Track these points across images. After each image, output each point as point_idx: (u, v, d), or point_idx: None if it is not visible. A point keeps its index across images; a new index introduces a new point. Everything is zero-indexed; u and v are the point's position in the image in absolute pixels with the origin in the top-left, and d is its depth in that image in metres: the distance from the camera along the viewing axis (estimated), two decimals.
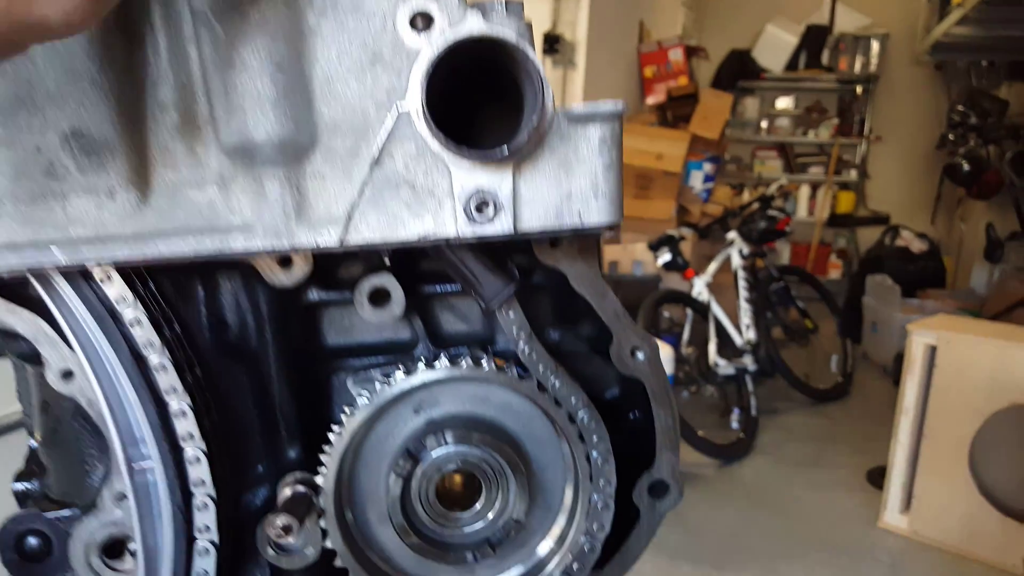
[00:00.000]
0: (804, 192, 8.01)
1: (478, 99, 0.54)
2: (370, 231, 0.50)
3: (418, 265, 0.65)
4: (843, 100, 7.95)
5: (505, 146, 0.46)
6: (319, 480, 0.60)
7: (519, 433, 0.63)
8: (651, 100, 5.92)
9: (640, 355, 0.62)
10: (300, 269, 0.58)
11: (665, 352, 4.10)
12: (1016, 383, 3.28)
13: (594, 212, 0.50)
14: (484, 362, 0.59)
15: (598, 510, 0.61)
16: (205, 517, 0.59)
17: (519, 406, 0.62)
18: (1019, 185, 5.62)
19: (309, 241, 0.50)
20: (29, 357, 0.62)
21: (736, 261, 5.06)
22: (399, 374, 0.59)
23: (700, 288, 4.85)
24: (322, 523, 0.61)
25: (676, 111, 5.85)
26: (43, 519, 0.65)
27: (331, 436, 0.60)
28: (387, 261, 0.61)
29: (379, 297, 0.61)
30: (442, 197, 0.49)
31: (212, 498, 0.59)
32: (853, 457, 4.71)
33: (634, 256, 5.37)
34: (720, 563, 3.67)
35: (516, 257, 0.62)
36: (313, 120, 0.48)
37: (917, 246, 6.41)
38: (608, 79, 5.62)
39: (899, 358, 3.84)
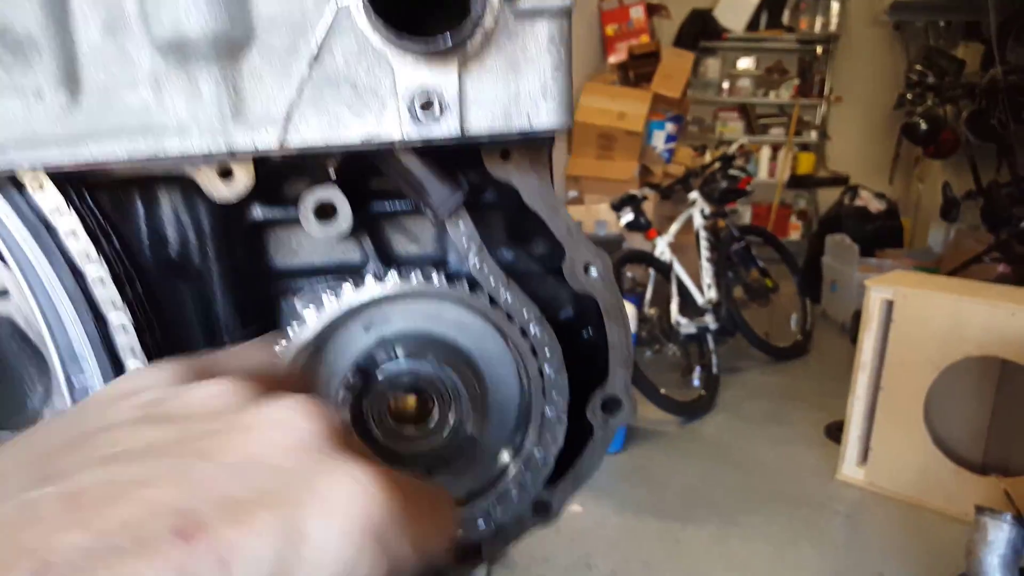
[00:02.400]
0: (765, 153, 8.08)
1: (421, 8, 0.52)
2: (311, 133, 0.48)
3: (367, 183, 0.63)
4: (803, 61, 8.00)
5: (448, 34, 0.45)
6: None
7: (472, 350, 0.62)
8: (613, 59, 5.89)
9: (593, 271, 0.61)
10: (241, 182, 0.57)
11: (629, 311, 4.14)
12: (970, 336, 3.38)
13: (543, 114, 0.49)
14: (435, 278, 0.59)
15: (551, 423, 0.61)
16: None
17: (471, 323, 0.62)
18: (975, 144, 5.73)
19: (247, 143, 0.48)
20: None
21: (698, 221, 5.10)
22: (347, 287, 0.58)
23: (662, 248, 4.89)
24: None
25: (638, 70, 5.84)
26: None
27: (277, 351, 0.59)
28: (333, 174, 0.59)
29: (325, 211, 0.59)
30: (385, 96, 0.48)
31: None
32: (812, 413, 4.84)
33: (597, 216, 5.38)
34: (684, 516, 3.76)
35: (466, 173, 0.61)
36: (248, 14, 0.47)
37: (875, 206, 6.52)
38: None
39: (857, 316, 3.93)
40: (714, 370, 4.95)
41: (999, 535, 2.48)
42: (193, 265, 0.62)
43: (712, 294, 5.03)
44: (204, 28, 0.46)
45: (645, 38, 5.93)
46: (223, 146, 0.48)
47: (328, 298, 0.58)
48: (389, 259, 0.65)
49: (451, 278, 0.59)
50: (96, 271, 0.55)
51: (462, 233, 0.58)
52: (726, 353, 5.37)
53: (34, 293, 0.55)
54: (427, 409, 0.63)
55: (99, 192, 0.57)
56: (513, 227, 0.66)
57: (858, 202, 6.65)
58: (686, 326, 4.88)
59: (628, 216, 4.80)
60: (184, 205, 0.60)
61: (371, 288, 0.58)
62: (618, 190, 5.17)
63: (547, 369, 0.60)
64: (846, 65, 7.79)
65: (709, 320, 4.92)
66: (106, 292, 0.55)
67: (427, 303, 0.61)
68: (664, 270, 4.91)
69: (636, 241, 5.24)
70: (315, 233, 0.59)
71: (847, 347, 5.06)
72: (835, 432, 4.33)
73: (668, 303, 4.99)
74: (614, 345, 0.63)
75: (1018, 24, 5.53)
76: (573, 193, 5.78)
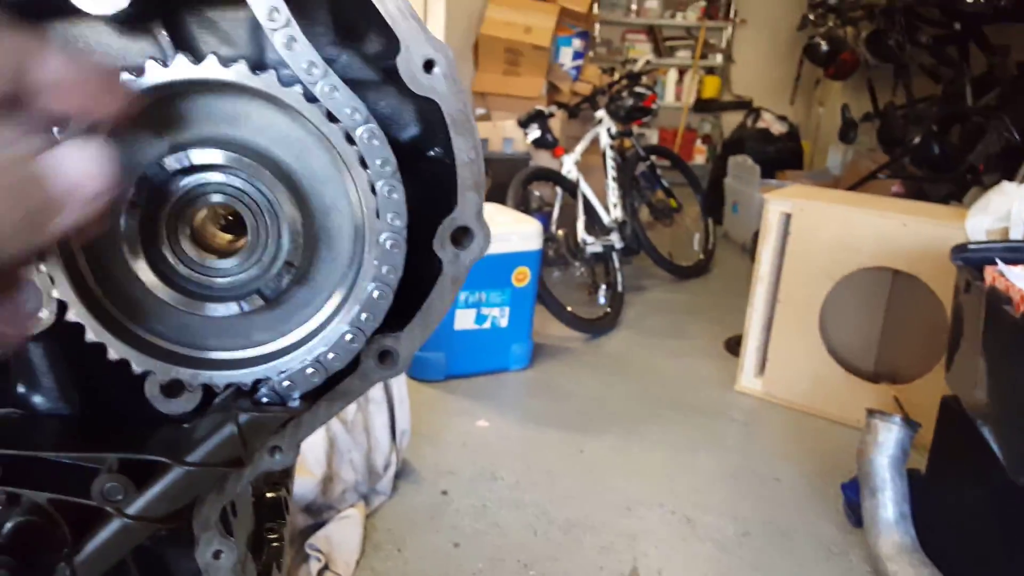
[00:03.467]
0: (672, 77, 8.08)
1: None
2: None
3: None
4: None
5: None
6: None
7: (291, 164, 0.52)
8: None
9: (436, 69, 0.51)
10: None
11: (535, 228, 4.08)
12: (863, 248, 3.48)
13: None
14: (236, 65, 0.48)
15: (387, 250, 0.52)
16: None
17: (289, 130, 0.51)
18: (873, 65, 5.87)
19: None
20: None
21: (604, 140, 5.05)
22: (125, 74, 0.46)
23: (569, 166, 4.83)
24: (46, 267, 0.49)
25: None
26: None
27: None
28: None
29: None
30: None
31: None
32: (712, 327, 4.97)
33: (504, 134, 5.27)
34: (586, 428, 3.81)
35: None
36: None
37: (777, 128, 6.64)
38: None
39: (757, 236, 4.01)
40: (619, 288, 4.99)
41: (889, 436, 2.60)
42: None
43: (618, 213, 5.03)
44: None
45: None
46: None
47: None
48: (196, 59, 0.53)
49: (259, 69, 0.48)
50: None
51: (263, 1, 0.46)
52: (631, 272, 5.43)
53: None
54: (238, 235, 0.53)
55: None
56: (341, 20, 0.55)
57: (760, 124, 6.75)
58: (592, 245, 4.88)
59: (535, 133, 4.71)
60: None
61: (154, 73, 0.46)
62: (525, 107, 5.05)
63: (380, 184, 0.51)
64: None
65: (615, 239, 4.93)
66: None
67: (231, 101, 0.50)
68: (571, 189, 4.87)
69: (543, 159, 5.16)
70: (86, 3, 0.47)
71: (747, 266, 5.19)
72: (734, 346, 4.45)
73: (575, 223, 4.97)
74: (462, 163, 0.53)
75: None
76: (481, 110, 5.61)
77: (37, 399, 0.57)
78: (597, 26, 7.13)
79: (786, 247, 3.75)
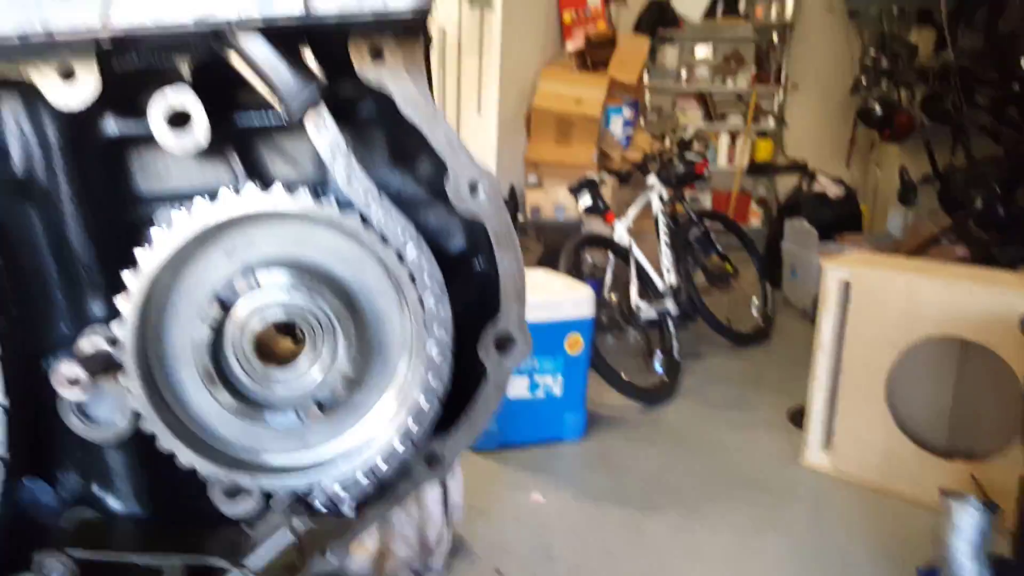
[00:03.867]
0: (724, 141, 8.10)
1: None
2: (136, 11, 0.42)
3: (231, 92, 0.56)
4: (760, 49, 8.04)
5: None
6: (116, 330, 0.52)
7: (348, 280, 0.55)
8: (570, 46, 5.86)
9: (480, 191, 0.55)
10: (86, 85, 0.49)
11: (587, 294, 4.09)
12: (928, 316, 3.36)
13: None
14: (299, 194, 0.52)
15: (435, 362, 0.54)
16: None
17: (347, 250, 0.55)
18: (930, 127, 5.80)
19: (65, 22, 0.41)
20: None
21: (656, 205, 5.08)
22: (201, 201, 0.51)
23: (621, 232, 4.86)
24: (125, 380, 0.53)
25: (595, 56, 5.81)
26: None
27: (126, 277, 0.51)
28: (187, 77, 0.52)
29: (178, 120, 0.52)
30: None
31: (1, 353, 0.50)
32: (775, 398, 4.83)
33: (556, 201, 5.35)
34: (646, 505, 3.71)
35: (342, 87, 0.54)
36: None
37: (833, 191, 6.57)
38: (526, 22, 5.53)
39: (817, 300, 3.93)
40: (675, 355, 4.92)
41: (966, 520, 2.45)
42: (39, 182, 0.54)
43: (672, 279, 5.01)
44: None
45: (602, 24, 5.91)
46: (38, 25, 0.41)
47: (181, 214, 0.51)
48: (265, 183, 0.58)
49: (319, 196, 0.53)
50: None
51: (323, 137, 0.51)
52: (688, 338, 5.34)
53: None
54: (298, 348, 0.56)
55: None
56: (394, 146, 0.59)
57: (816, 188, 6.69)
58: (646, 311, 4.86)
59: (586, 200, 4.76)
60: (25, 113, 0.52)
61: (228, 204, 0.51)
62: (577, 175, 5.13)
63: (428, 298, 0.54)
64: (802, 52, 7.84)
65: (669, 304, 4.90)
66: None
67: (295, 226, 0.54)
68: (623, 254, 4.88)
69: (595, 225, 5.20)
70: (168, 144, 0.52)
71: (808, 332, 5.07)
72: (798, 417, 4.32)
73: (628, 288, 4.96)
74: (505, 275, 0.56)
75: (968, 10, 5.60)
76: (533, 178, 5.72)
77: (112, 500, 0.60)
78: (647, 94, 7.25)
79: (847, 315, 3.66)
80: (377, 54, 0.51)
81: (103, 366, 0.52)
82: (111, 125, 0.56)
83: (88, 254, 0.57)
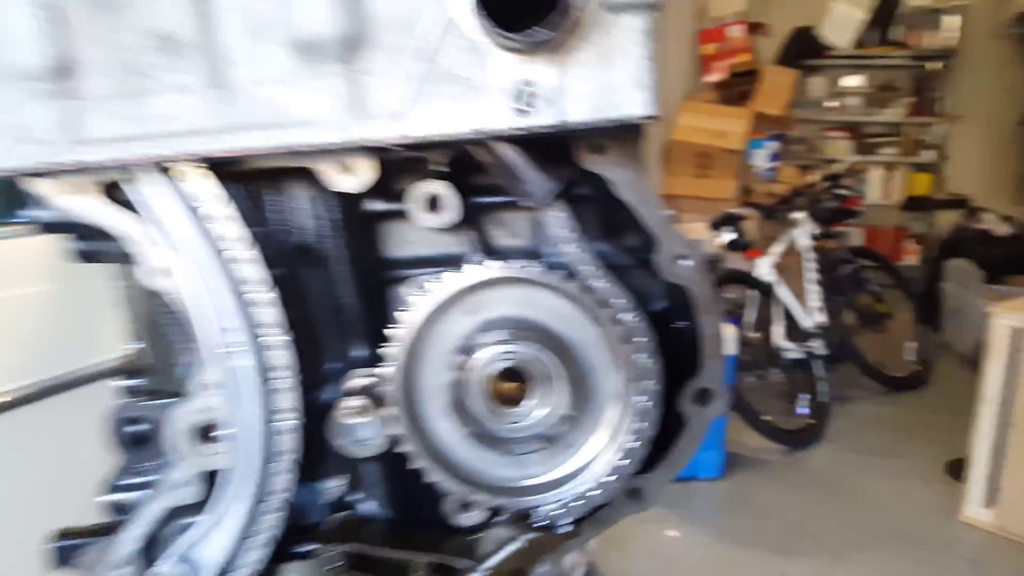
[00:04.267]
0: (877, 174, 7.75)
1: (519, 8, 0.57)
2: (426, 125, 0.54)
3: (468, 179, 0.69)
4: (917, 78, 7.65)
5: (543, 26, 0.49)
6: (385, 370, 0.65)
7: (567, 336, 0.66)
8: (710, 78, 5.84)
9: (686, 262, 0.64)
10: (364, 175, 0.63)
11: (728, 332, 4.05)
12: None
13: (636, 104, 0.53)
14: (535, 265, 0.63)
15: (645, 410, 0.64)
16: (287, 399, 0.65)
17: (566, 310, 0.66)
18: None
19: (369, 134, 0.54)
20: (126, 257, 0.69)
21: (804, 242, 4.95)
22: (453, 274, 0.63)
23: (765, 269, 4.77)
24: (390, 411, 0.66)
25: (738, 88, 5.76)
26: (144, 407, 0.72)
27: (395, 330, 0.64)
28: (441, 169, 0.65)
29: (434, 203, 0.65)
30: (491, 90, 0.53)
31: (293, 382, 0.65)
32: (931, 448, 4.55)
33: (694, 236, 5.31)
34: (786, 550, 3.61)
35: (561, 170, 0.66)
36: (366, 15, 0.53)
37: (1001, 229, 6.14)
38: (664, 55, 5.57)
39: (980, 346, 3.70)
40: (822, 398, 4.75)
41: None
42: (323, 252, 0.69)
43: (820, 318, 4.85)
44: (327, 29, 0.53)
45: (745, 56, 5.86)
46: (348, 137, 0.55)
47: (436, 282, 0.64)
48: (489, 251, 0.70)
49: (549, 266, 0.64)
50: (248, 252, 0.63)
51: (560, 222, 0.62)
52: (835, 382, 5.13)
53: (192, 272, 0.63)
54: (521, 390, 0.67)
55: (240, 184, 0.64)
56: (605, 220, 0.69)
57: (980, 225, 6.27)
58: (791, 351, 4.73)
59: (729, 235, 4.71)
60: (319, 196, 0.67)
61: (476, 272, 0.63)
62: (716, 209, 5.09)
63: (640, 356, 0.63)
64: (966, 81, 7.40)
65: (817, 345, 4.74)
66: (255, 271, 0.63)
67: (526, 290, 0.65)
68: (766, 291, 4.79)
69: (735, 262, 5.13)
70: (425, 223, 0.65)
71: (969, 379, 4.76)
72: (956, 469, 4.06)
73: (769, 326, 4.85)
74: (707, 336, 0.65)
75: None
76: (670, 212, 5.72)
77: (367, 503, 0.74)
78: (792, 126, 7.09)
79: (1019, 366, 3.44)
80: (600, 149, 0.62)
81: (375, 398, 0.65)
82: (375, 203, 0.70)
83: (354, 308, 0.71)
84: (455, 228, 0.72)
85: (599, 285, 0.63)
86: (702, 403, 0.66)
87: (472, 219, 0.71)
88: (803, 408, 4.67)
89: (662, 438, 0.68)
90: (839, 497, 4.09)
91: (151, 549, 0.74)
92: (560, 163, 0.62)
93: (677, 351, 0.67)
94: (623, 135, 0.61)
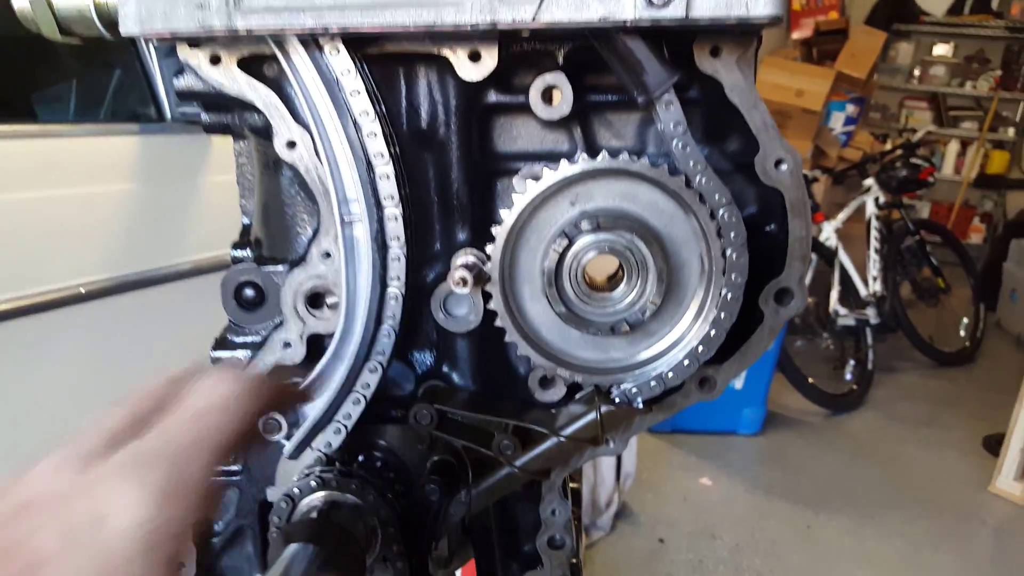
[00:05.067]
0: (953, 148, 7.50)
1: None
2: (559, 12, 0.59)
3: (583, 76, 0.73)
4: (1010, 50, 7.31)
5: None
6: (489, 250, 0.71)
7: (661, 230, 0.71)
8: (797, 34, 5.68)
9: (784, 166, 0.68)
10: (487, 64, 0.68)
11: None
12: None
13: (760, 3, 0.57)
14: (640, 158, 0.68)
15: (727, 302, 0.69)
16: (397, 269, 0.71)
17: (664, 206, 0.70)
18: None
19: (507, 16, 0.59)
20: (259, 130, 0.76)
21: (871, 209, 4.87)
22: (564, 161, 0.68)
23: (829, 233, 4.72)
24: (488, 288, 0.72)
25: (822, 47, 5.59)
26: (258, 271, 0.79)
27: (502, 212, 0.70)
28: (559, 62, 0.69)
29: (550, 95, 0.70)
30: None
31: (404, 253, 0.71)
32: (971, 422, 4.54)
33: None
34: (817, 504, 3.68)
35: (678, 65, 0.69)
36: None
37: None
38: None
39: None
40: (869, 366, 4.75)
41: None
42: (438, 136, 0.74)
43: (877, 287, 4.81)
44: None
45: (834, 14, 5.67)
46: (488, 18, 0.60)
47: (546, 170, 0.69)
48: (594, 151, 0.74)
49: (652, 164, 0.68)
50: (370, 126, 0.68)
51: (671, 115, 0.66)
52: (884, 352, 5.12)
53: (323, 143, 0.69)
54: (618, 279, 0.72)
55: (371, 64, 0.70)
56: (709, 125, 0.73)
57: None
58: (844, 317, 4.71)
59: None
60: (438, 83, 0.72)
61: (583, 162, 0.68)
62: None
63: (730, 251, 0.68)
64: None
65: (870, 313, 4.71)
66: (376, 144, 0.68)
67: (627, 183, 0.70)
68: (828, 256, 4.75)
69: None
70: (540, 113, 0.70)
71: (1020, 360, 4.70)
72: (994, 445, 4.05)
73: (826, 292, 4.83)
74: (794, 239, 0.69)
75: None
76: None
77: (455, 376, 0.81)
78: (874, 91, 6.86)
79: None
80: (716, 51, 0.65)
81: (477, 276, 0.71)
82: (492, 95, 0.75)
83: (463, 193, 0.77)
84: (565, 124, 0.76)
85: (699, 181, 0.67)
86: (780, 302, 0.70)
87: (582, 116, 0.76)
88: (849, 373, 4.67)
89: (738, 333, 0.72)
90: (873, 461, 4.12)
91: None
92: (675, 63, 0.66)
93: (763, 254, 0.71)
94: (741, 37, 0.65)
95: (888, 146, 5.33)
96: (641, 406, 0.72)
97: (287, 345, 0.78)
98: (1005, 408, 3.98)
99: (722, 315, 0.69)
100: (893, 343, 5.35)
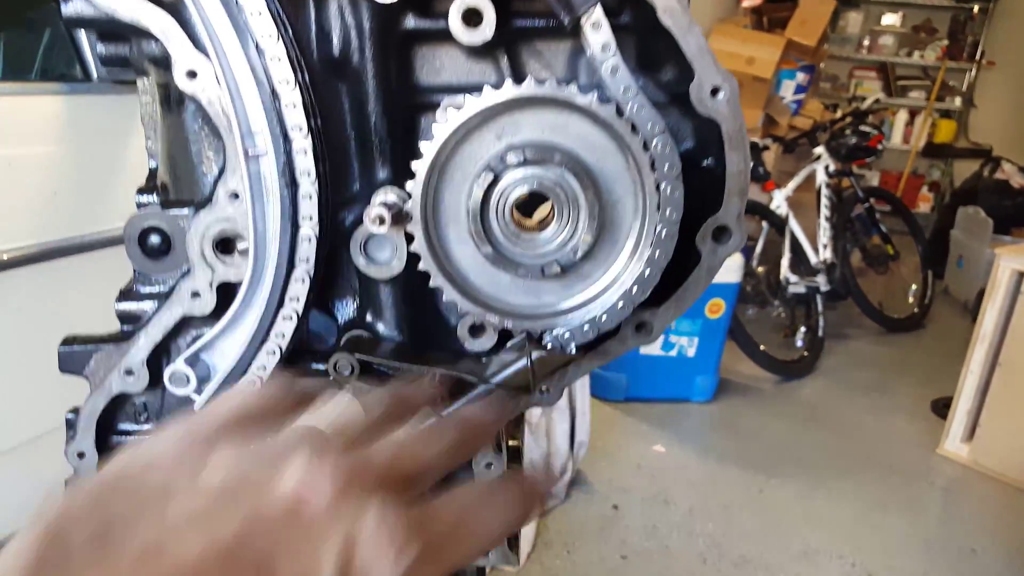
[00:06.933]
0: (901, 117, 7.62)
1: None
2: None
3: (508, 3, 0.68)
4: (956, 20, 7.43)
5: None
6: (409, 188, 0.66)
7: (593, 165, 0.66)
8: (747, 2, 5.67)
9: (721, 95, 0.64)
10: None
11: (736, 261, 4.07)
12: None
13: None
14: (569, 85, 0.63)
15: (662, 239, 0.65)
16: (309, 207, 0.66)
17: (595, 139, 0.66)
18: None
19: None
20: (158, 60, 0.69)
21: (821, 177, 4.92)
22: (488, 88, 0.63)
23: (779, 201, 4.76)
24: (411, 229, 0.67)
25: (772, 15, 5.60)
26: (163, 216, 0.73)
27: (423, 145, 0.65)
28: None
29: (471, 17, 0.64)
30: None
31: (317, 191, 0.65)
32: (919, 387, 4.65)
33: None
34: (768, 470, 3.73)
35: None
36: None
37: (1018, 180, 6.07)
38: None
39: (982, 294, 3.73)
40: (820, 333, 4.81)
41: None
42: (352, 65, 0.68)
43: (827, 254, 4.87)
44: None
45: None
46: None
47: (469, 98, 0.64)
48: (521, 80, 0.69)
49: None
50: (274, 50, 0.62)
51: (599, 37, 0.61)
52: (834, 320, 5.20)
53: (223, 72, 0.63)
54: (547, 218, 0.68)
55: None
56: (642, 53, 0.69)
57: (999, 175, 6.20)
58: (795, 285, 4.76)
59: None
60: (349, 4, 0.66)
61: (508, 89, 0.63)
62: None
63: (664, 184, 0.64)
64: (1005, 27, 7.19)
65: (820, 281, 4.77)
66: (281, 70, 0.63)
67: (556, 114, 0.65)
68: (778, 224, 4.78)
69: (752, 193, 5.10)
70: (461, 37, 0.65)
71: (966, 326, 4.80)
72: (942, 409, 4.15)
73: (778, 261, 4.87)
74: (732, 173, 0.65)
75: None
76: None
77: (380, 326, 0.76)
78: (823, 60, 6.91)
79: (1015, 308, 3.47)
80: None
81: (396, 215, 0.66)
82: (410, 20, 0.69)
83: (382, 128, 0.71)
84: (491, 54, 0.71)
85: (631, 109, 0.63)
86: (718, 240, 0.67)
87: (509, 45, 0.71)
88: (800, 341, 4.73)
89: (673, 277, 0.69)
90: (824, 426, 4.20)
91: (158, 364, 0.76)
92: None
93: (699, 191, 0.67)
94: None
95: (838, 115, 5.38)
96: (574, 352, 0.68)
97: (195, 295, 0.73)
98: (952, 373, 4.07)
99: (657, 253, 0.65)
100: (843, 310, 5.44)
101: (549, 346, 0.69)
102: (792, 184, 4.80)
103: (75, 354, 0.78)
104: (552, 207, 0.67)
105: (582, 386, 3.45)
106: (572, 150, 0.66)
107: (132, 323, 0.79)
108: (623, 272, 0.67)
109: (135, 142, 2.17)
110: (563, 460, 3.45)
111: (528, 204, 0.72)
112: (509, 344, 0.72)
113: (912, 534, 3.30)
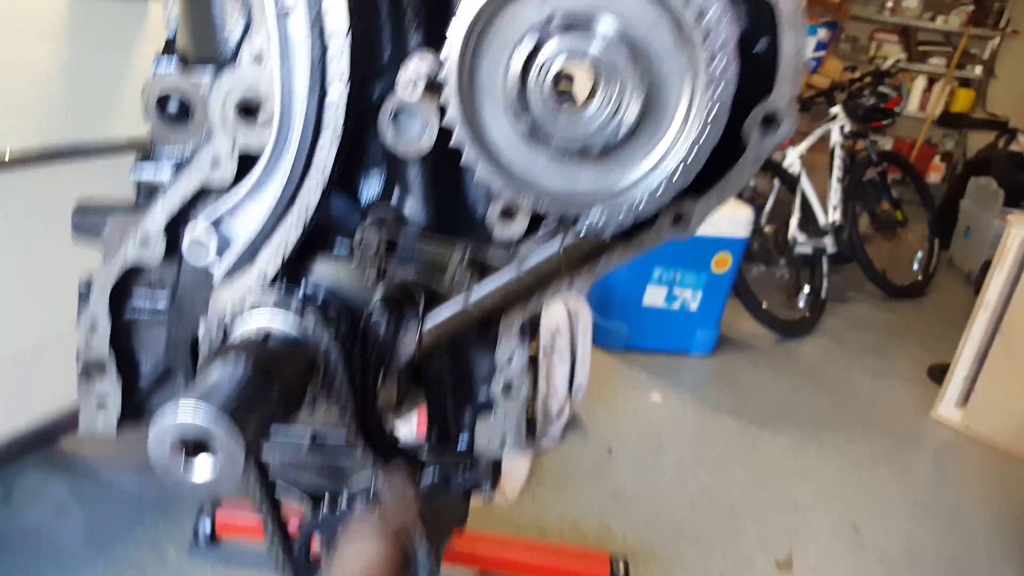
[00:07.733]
0: (920, 84, 7.48)
1: None
2: None
3: None
4: None
5: None
6: (444, 53, 0.62)
7: (641, 40, 0.63)
8: None
9: None
10: None
11: (745, 216, 4.03)
12: None
13: None
14: None
15: (710, 119, 0.62)
16: (338, 69, 0.63)
17: (647, 12, 0.62)
18: None
19: None
20: None
21: (835, 138, 4.84)
22: None
23: (792, 159, 4.69)
24: (442, 99, 0.63)
25: None
26: (182, 79, 0.69)
27: (461, 4, 0.61)
28: None
29: None
30: None
31: (348, 51, 0.62)
32: (917, 352, 4.65)
33: None
34: (762, 422, 3.75)
35: None
36: None
37: None
38: None
39: (986, 266, 3.70)
40: (823, 294, 4.79)
41: None
42: None
43: (836, 216, 4.82)
44: None
45: None
46: None
47: None
48: None
49: None
50: None
51: None
52: (838, 281, 5.17)
53: None
54: (589, 97, 0.65)
55: None
56: None
57: (1014, 147, 6.12)
58: (802, 245, 4.73)
59: None
60: None
61: None
62: None
63: (717, 60, 0.61)
64: None
65: (828, 243, 4.74)
66: None
67: None
68: (790, 183, 4.73)
69: None
70: None
71: (968, 297, 4.79)
72: (939, 374, 4.16)
73: (787, 220, 4.83)
74: (786, 56, 0.62)
75: None
76: None
77: (405, 207, 0.73)
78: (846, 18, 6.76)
79: (1021, 276, 3.45)
80: None
81: (429, 81, 0.63)
82: None
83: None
84: None
85: None
86: (766, 128, 0.64)
87: None
88: (802, 301, 4.71)
89: (715, 170, 0.66)
90: (820, 385, 4.21)
91: (175, 237, 0.73)
92: None
93: (749, 78, 0.63)
94: None
95: (857, 75, 5.27)
96: (608, 238, 0.66)
97: (215, 164, 0.70)
98: (951, 340, 4.07)
99: (704, 135, 0.62)
100: (848, 274, 5.42)
101: (582, 233, 0.66)
102: (806, 143, 4.73)
103: (89, 221, 0.75)
104: (595, 83, 0.63)
105: (584, 330, 3.44)
106: (619, 20, 0.63)
107: (148, 195, 0.76)
108: (666, 156, 0.65)
109: (144, 49, 2.11)
110: (561, 403, 3.45)
111: (567, 93, 0.69)
112: (541, 231, 0.69)
113: (900, 493, 3.33)
